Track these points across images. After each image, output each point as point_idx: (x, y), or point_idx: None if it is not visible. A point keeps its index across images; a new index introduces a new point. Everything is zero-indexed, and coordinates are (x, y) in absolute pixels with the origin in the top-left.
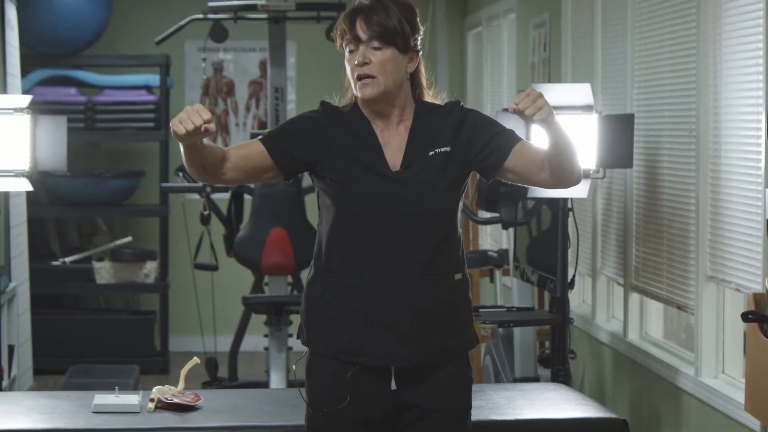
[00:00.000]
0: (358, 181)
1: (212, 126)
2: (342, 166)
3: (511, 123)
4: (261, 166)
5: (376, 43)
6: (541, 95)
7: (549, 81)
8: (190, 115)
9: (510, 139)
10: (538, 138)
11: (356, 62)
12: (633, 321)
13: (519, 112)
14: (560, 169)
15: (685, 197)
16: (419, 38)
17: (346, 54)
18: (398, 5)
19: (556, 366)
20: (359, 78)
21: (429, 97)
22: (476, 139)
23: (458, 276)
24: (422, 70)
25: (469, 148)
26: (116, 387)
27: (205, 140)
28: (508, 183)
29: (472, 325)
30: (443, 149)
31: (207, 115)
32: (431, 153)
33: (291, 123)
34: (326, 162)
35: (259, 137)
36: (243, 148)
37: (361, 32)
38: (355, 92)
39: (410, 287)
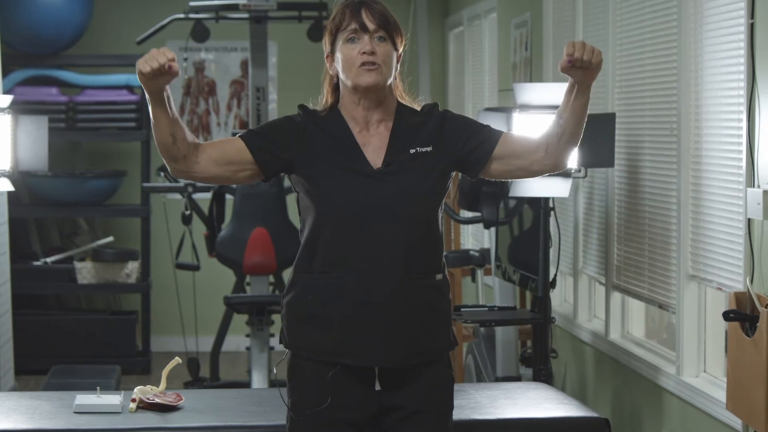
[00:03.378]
0: (337, 179)
1: (176, 66)
2: (321, 166)
3: (494, 122)
4: (237, 161)
5: (381, 34)
6: (584, 42)
7: (531, 80)
8: (155, 55)
9: (494, 131)
10: (520, 131)
11: (363, 50)
12: (614, 320)
13: (571, 66)
14: (569, 141)
15: (667, 196)
16: (403, 42)
17: (341, 44)
18: (386, 7)
19: (538, 365)
20: (362, 65)
21: (404, 100)
22: (459, 135)
23: (439, 276)
24: (398, 73)
25: (453, 146)
26: (98, 387)
27: (175, 123)
28: (491, 181)
29: (451, 327)
30: (424, 149)
31: (171, 54)
32: (412, 151)
33: (270, 123)
34: (305, 161)
35: (238, 134)
36: (220, 142)
37: (368, 21)
38: (350, 82)
39: (392, 286)
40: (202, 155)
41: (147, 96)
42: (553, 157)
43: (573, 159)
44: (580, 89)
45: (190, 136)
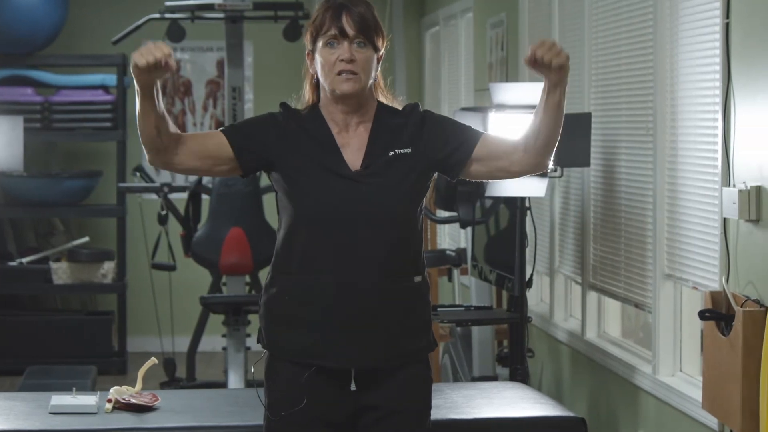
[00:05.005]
0: (316, 181)
1: (173, 62)
2: (300, 167)
3: (470, 122)
4: (217, 156)
5: (361, 40)
6: (555, 42)
7: (506, 80)
8: (151, 49)
9: (473, 133)
10: (497, 130)
11: (342, 57)
12: (591, 319)
13: (534, 63)
14: (546, 141)
15: (643, 196)
16: (384, 42)
17: (321, 47)
18: (369, 6)
19: (515, 365)
20: (340, 72)
21: (386, 98)
22: (438, 137)
23: (418, 278)
24: (380, 72)
25: (431, 149)
26: (73, 388)
27: (161, 116)
28: (468, 180)
29: (430, 328)
30: (404, 150)
31: (167, 49)
32: (391, 153)
33: (252, 119)
34: (285, 161)
35: (221, 128)
36: (201, 136)
37: (348, 27)
38: (328, 87)
39: (370, 288)
40: (182, 147)
41: (136, 87)
42: (532, 156)
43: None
44: (550, 87)
45: (173, 128)
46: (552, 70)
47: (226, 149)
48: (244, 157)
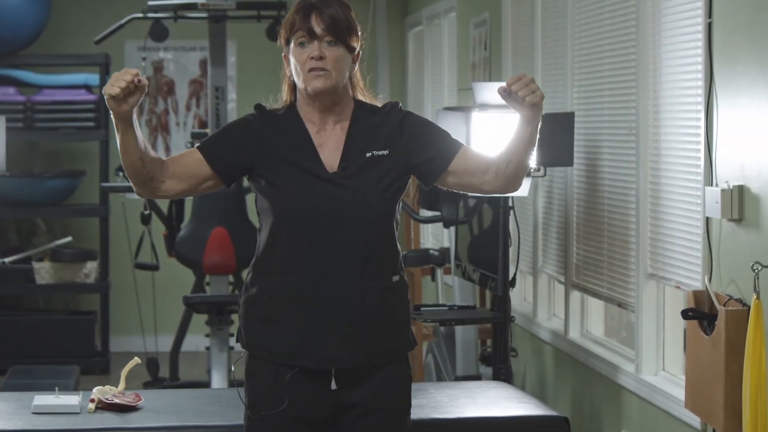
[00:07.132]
0: (294, 183)
1: (144, 79)
2: (278, 169)
3: (452, 123)
4: (199, 175)
5: (330, 39)
6: (533, 80)
7: (490, 80)
8: (119, 76)
9: (452, 144)
10: (478, 143)
11: (312, 55)
12: (574, 319)
13: (508, 94)
14: (515, 169)
15: (626, 195)
16: (359, 41)
17: (293, 47)
18: (343, 6)
19: (498, 364)
20: (311, 70)
21: (365, 97)
22: (416, 144)
23: (396, 278)
24: (358, 71)
25: (408, 154)
26: (56, 388)
27: (143, 146)
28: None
29: (410, 328)
30: (381, 152)
31: (134, 70)
32: (368, 155)
33: (226, 129)
34: (263, 165)
35: (196, 145)
36: (181, 157)
37: (317, 27)
38: (301, 85)
39: (348, 289)
40: (167, 172)
41: (115, 123)
42: (502, 180)
43: (532, 159)
44: (522, 122)
45: (153, 153)
46: (525, 106)
47: (206, 167)
48: (224, 171)
